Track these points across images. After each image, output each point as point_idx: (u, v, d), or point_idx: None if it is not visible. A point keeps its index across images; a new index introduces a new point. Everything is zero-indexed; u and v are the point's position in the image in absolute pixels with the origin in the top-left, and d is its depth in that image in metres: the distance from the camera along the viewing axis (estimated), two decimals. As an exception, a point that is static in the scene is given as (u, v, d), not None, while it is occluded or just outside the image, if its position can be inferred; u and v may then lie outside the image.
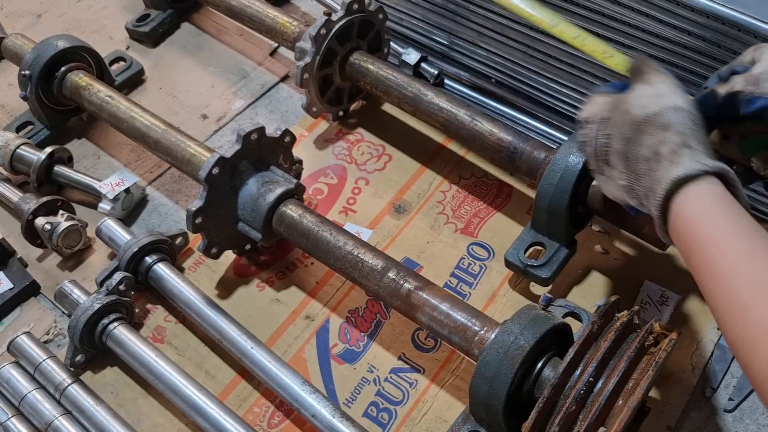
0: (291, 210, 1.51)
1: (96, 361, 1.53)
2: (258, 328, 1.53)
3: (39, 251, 1.71)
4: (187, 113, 1.97)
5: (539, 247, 1.52)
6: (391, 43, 1.94)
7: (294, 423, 1.44)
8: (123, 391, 1.50)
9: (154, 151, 1.69)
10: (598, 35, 1.57)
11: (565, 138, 1.62)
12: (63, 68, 1.82)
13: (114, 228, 1.61)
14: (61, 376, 1.44)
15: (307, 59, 1.71)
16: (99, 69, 1.93)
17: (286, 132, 1.57)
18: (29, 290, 1.64)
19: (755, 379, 0.88)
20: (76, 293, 1.52)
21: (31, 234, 1.67)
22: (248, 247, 1.63)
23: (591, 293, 1.58)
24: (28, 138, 1.85)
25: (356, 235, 1.50)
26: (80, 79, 1.81)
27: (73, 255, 1.69)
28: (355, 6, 1.74)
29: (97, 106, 1.77)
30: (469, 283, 1.61)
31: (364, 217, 1.73)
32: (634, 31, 1.51)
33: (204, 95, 2.01)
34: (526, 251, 1.52)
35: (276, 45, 2.09)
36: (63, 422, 1.38)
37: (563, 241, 1.51)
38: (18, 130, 1.89)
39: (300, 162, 1.67)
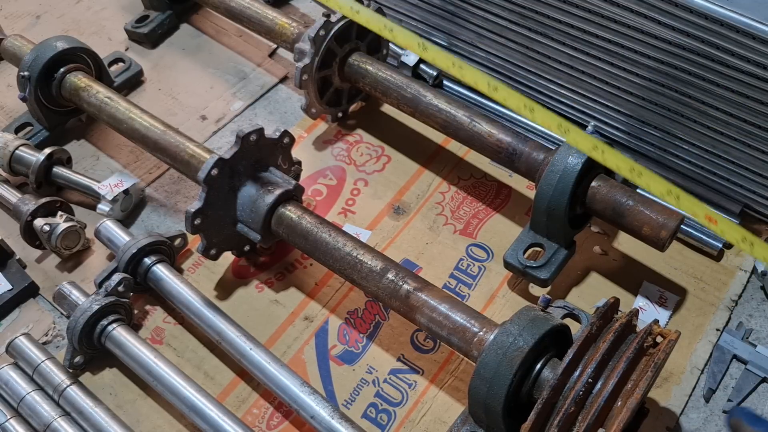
0: (290, 211, 1.51)
1: (95, 363, 1.53)
2: (257, 329, 1.53)
3: (38, 252, 1.71)
4: (186, 114, 1.97)
5: (538, 248, 1.53)
6: (390, 44, 1.94)
7: (293, 424, 1.44)
8: (122, 393, 1.50)
9: (153, 152, 1.69)
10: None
11: (564, 139, 1.62)
12: (62, 69, 1.82)
13: (113, 229, 1.61)
14: (60, 377, 1.44)
15: (306, 60, 1.71)
16: (98, 70, 1.93)
17: (285, 133, 1.57)
18: (28, 291, 1.64)
19: None
20: (75, 294, 1.52)
21: (30, 235, 1.67)
22: (247, 248, 1.63)
23: (590, 294, 1.58)
24: (27, 139, 1.85)
25: (355, 236, 1.51)
26: (79, 80, 1.81)
27: (72, 256, 1.69)
28: (354, 7, 1.74)
29: (96, 107, 1.77)
30: (468, 284, 1.61)
31: (363, 218, 1.73)
32: (633, 33, 1.51)
33: (203, 96, 2.01)
34: (525, 252, 1.52)
35: (275, 46, 2.09)
36: (62, 423, 1.38)
37: (562, 242, 1.51)
38: (17, 131, 1.89)
39: (299, 163, 1.67)
